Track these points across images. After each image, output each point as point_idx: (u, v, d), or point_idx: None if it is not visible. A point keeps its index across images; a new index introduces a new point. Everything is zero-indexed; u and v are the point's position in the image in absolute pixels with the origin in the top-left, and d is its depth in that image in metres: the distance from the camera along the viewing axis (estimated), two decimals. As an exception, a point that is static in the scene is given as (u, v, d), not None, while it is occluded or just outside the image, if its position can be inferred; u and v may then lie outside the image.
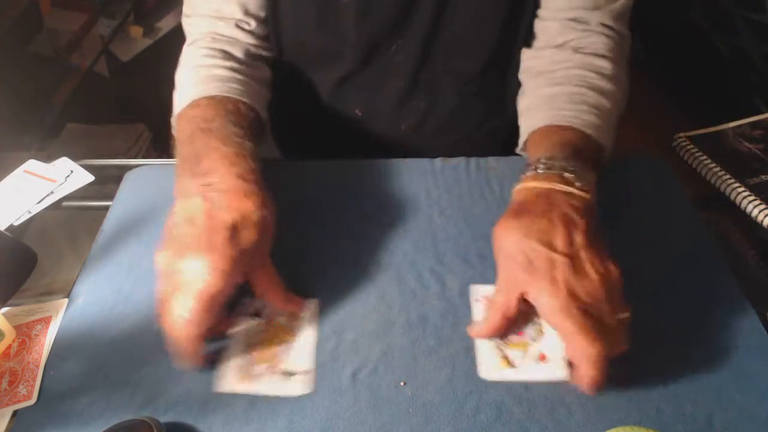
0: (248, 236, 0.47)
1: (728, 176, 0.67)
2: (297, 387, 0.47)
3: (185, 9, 0.69)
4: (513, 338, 0.50)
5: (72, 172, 0.69)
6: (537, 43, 0.68)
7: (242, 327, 0.51)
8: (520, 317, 0.49)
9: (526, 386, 0.47)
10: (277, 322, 0.52)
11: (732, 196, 0.65)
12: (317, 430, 0.45)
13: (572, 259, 0.45)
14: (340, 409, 0.46)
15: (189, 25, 0.69)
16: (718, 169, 0.68)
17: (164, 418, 0.45)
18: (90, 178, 0.68)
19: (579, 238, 0.46)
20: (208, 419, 0.46)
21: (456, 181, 0.66)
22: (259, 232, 0.48)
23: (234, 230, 0.47)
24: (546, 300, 0.45)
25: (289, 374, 0.48)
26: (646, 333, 0.50)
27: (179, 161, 0.55)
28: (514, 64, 0.72)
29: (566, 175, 0.50)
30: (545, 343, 0.49)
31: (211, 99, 0.59)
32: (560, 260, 0.45)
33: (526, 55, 0.69)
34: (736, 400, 0.46)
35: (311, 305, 0.53)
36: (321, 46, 0.71)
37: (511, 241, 0.47)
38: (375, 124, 0.78)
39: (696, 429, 0.45)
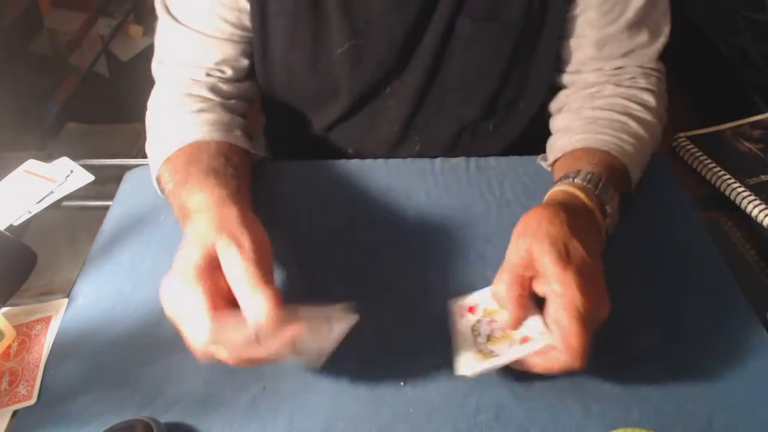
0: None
1: (728, 176, 0.67)
2: None
3: (158, 55, 0.67)
4: (496, 333, 0.48)
5: (72, 171, 0.69)
6: (573, 88, 0.68)
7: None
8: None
9: (527, 386, 0.47)
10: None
11: (732, 196, 0.65)
12: (317, 430, 0.45)
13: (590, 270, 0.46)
14: (340, 409, 0.46)
15: (160, 71, 0.67)
16: (718, 169, 0.68)
17: (164, 418, 0.45)
18: (90, 178, 0.68)
19: (592, 258, 0.47)
20: (208, 419, 0.46)
21: (456, 181, 0.66)
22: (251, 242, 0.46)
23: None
24: (566, 291, 0.44)
25: None
26: (646, 333, 0.50)
27: (174, 212, 0.55)
28: (514, 111, 0.71)
29: (602, 196, 0.53)
30: (526, 327, 0.46)
31: (187, 148, 0.58)
32: (589, 264, 0.46)
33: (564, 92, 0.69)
34: (736, 400, 0.46)
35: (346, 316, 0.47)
36: (313, 90, 0.70)
37: (555, 228, 0.47)
38: None
39: (696, 429, 0.45)
